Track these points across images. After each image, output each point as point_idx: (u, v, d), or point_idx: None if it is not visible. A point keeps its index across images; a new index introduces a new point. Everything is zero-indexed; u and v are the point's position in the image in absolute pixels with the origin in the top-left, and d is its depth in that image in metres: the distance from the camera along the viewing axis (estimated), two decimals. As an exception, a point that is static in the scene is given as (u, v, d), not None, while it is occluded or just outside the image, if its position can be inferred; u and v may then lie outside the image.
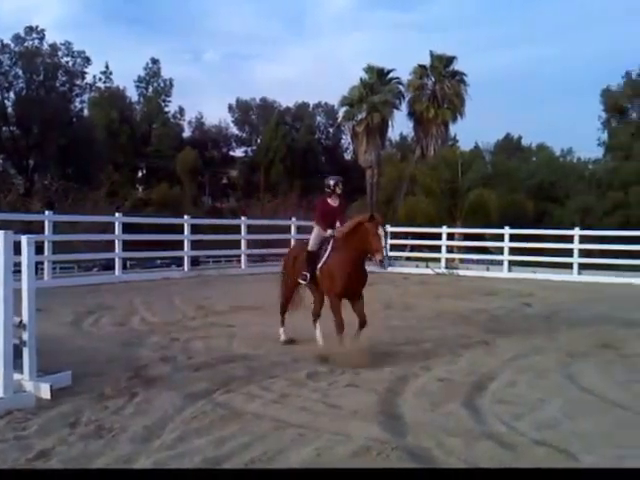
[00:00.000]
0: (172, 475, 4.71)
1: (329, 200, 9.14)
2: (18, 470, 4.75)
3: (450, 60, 47.60)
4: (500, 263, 22.04)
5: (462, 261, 24.95)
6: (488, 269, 22.38)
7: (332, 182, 9.16)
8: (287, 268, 9.56)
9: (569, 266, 20.14)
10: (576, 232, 20.51)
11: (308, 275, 8.85)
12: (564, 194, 49.86)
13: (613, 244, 20.32)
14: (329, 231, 8.85)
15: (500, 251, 22.58)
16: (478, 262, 24.17)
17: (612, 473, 4.82)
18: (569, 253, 20.30)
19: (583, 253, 20.57)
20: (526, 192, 47.86)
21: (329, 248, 8.70)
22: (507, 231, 21.76)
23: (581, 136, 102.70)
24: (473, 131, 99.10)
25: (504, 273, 21.16)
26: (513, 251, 22.05)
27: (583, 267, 20.08)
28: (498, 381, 7.37)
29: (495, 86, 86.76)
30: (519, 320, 11.94)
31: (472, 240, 27.15)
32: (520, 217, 37.60)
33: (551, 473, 4.77)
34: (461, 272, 21.82)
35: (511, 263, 21.64)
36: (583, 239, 20.58)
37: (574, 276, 19.57)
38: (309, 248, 8.97)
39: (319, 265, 8.72)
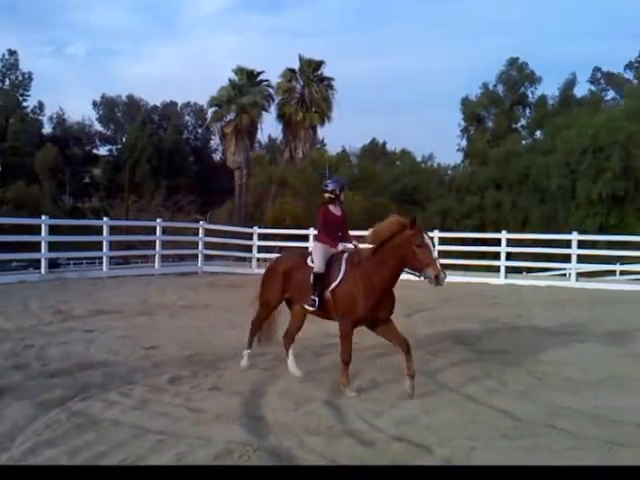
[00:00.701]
0: (170, 473, 4.49)
1: (331, 208, 7.67)
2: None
3: (319, 65, 48.32)
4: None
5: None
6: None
7: (335, 186, 7.66)
8: (272, 284, 7.84)
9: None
10: (436, 234, 21.42)
11: (317, 300, 7.25)
12: (425, 198, 52.08)
13: (471, 245, 21.40)
14: (341, 246, 7.41)
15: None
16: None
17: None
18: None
19: (443, 254, 21.51)
20: (390, 195, 49.54)
21: (344, 265, 7.18)
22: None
23: (442, 143, 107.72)
24: (341, 135, 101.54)
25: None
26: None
27: (443, 267, 20.89)
28: (360, 379, 7.53)
29: (362, 92, 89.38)
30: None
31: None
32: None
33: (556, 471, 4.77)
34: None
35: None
36: (443, 241, 21.55)
37: (435, 277, 20.42)
38: (317, 270, 7.28)
39: (332, 286, 7.16)
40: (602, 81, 59.70)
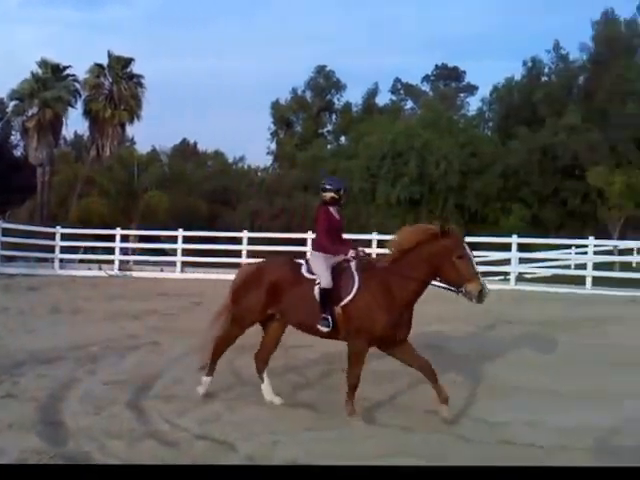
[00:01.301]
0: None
1: (332, 210, 6.74)
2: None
3: (128, 62, 46.73)
4: (174, 264, 22.32)
5: (137, 263, 24.63)
6: (162, 270, 22.47)
7: (339, 186, 6.77)
8: (251, 297, 6.70)
9: (239, 266, 21.13)
10: (245, 234, 21.71)
11: (330, 319, 6.31)
12: (236, 198, 52.31)
13: (278, 245, 21.86)
14: (352, 253, 6.48)
15: (175, 252, 22.85)
16: (154, 264, 24.11)
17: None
18: (239, 254, 21.36)
19: (251, 254, 21.79)
20: (201, 196, 49.15)
21: (356, 277, 6.34)
22: (181, 233, 22.14)
23: (253, 145, 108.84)
24: (151, 134, 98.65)
25: (177, 274, 21.46)
26: (187, 252, 22.51)
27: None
28: (164, 380, 7.42)
29: (174, 91, 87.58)
30: (189, 319, 12.16)
31: (147, 242, 27.18)
32: (195, 220, 38.50)
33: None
34: (135, 274, 21.54)
35: (185, 264, 22.06)
36: (251, 241, 21.90)
37: (243, 276, 20.66)
38: (325, 285, 6.34)
39: (345, 301, 6.29)
40: (402, 92, 63.72)
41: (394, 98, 62.50)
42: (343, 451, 5.38)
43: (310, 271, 6.57)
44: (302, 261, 6.86)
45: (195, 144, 67.12)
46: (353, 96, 73.92)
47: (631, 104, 36.99)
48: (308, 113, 58.00)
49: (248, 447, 5.36)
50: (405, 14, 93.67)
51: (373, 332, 6.23)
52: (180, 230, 22.29)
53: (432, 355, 6.84)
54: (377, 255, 15.09)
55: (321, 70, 58.28)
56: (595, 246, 21.18)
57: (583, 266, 19.68)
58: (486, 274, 23.13)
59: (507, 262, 20.35)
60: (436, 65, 63.48)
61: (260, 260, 7.61)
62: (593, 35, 43.41)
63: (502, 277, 21.88)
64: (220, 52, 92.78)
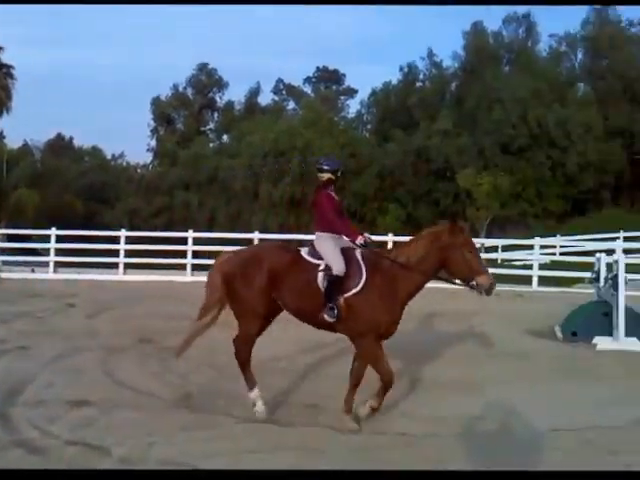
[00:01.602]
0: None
1: (332, 193, 6.41)
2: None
3: (-4, 51, 44.17)
4: (47, 264, 21.36)
5: (5, 263, 23.37)
6: (34, 271, 21.45)
7: (335, 167, 6.43)
8: (252, 286, 6.26)
9: (116, 266, 20.60)
10: (123, 233, 21.11)
11: (336, 309, 6.02)
12: (115, 196, 50.75)
13: (159, 244, 21.45)
14: (360, 238, 6.20)
15: (47, 252, 21.87)
16: (24, 264, 22.95)
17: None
18: (117, 253, 20.76)
19: (130, 253, 21.25)
20: (77, 193, 47.33)
21: (363, 268, 6.09)
22: (54, 232, 21.21)
23: (132, 141, 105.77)
24: (23, 128, 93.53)
25: (50, 274, 20.57)
26: (60, 252, 21.59)
27: (130, 267, 20.72)
28: (35, 385, 7.16)
29: (49, 84, 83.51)
30: (63, 321, 11.76)
31: (17, 241, 25.83)
32: (70, 218, 37.05)
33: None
34: (4, 275, 20.44)
35: (58, 264, 21.16)
36: (130, 240, 21.33)
37: (120, 276, 20.08)
38: (337, 272, 6.02)
39: (352, 292, 6.02)
40: (284, 92, 64.10)
41: (276, 98, 62.81)
42: (218, 449, 5.42)
43: (314, 255, 6.24)
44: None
45: (71, 139, 64.45)
46: (236, 94, 73.59)
47: (497, 111, 39.13)
48: (190, 110, 57.17)
49: (122, 450, 5.29)
50: (285, 17, 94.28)
51: (377, 328, 6.04)
52: (53, 229, 21.36)
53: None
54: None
55: (203, 67, 57.62)
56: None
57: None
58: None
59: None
60: (317, 67, 64.42)
61: (246, 247, 7.36)
62: (464, 45, 45.55)
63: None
64: (97, 45, 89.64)
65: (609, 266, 11.56)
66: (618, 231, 27.29)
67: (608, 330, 10.47)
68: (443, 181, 39.67)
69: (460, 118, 41.58)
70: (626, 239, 26.07)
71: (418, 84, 49.39)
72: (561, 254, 24.82)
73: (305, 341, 9.02)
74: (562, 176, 38.08)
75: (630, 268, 14.63)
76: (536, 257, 19.95)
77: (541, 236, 23.69)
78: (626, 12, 41.27)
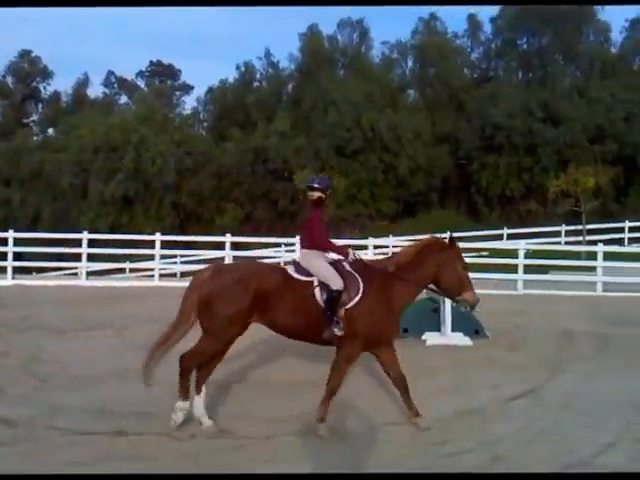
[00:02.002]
0: None
1: (321, 212, 6.53)
2: None
3: None
4: None
5: None
6: None
7: (325, 186, 6.55)
8: (231, 304, 6.02)
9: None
10: None
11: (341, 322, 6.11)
12: None
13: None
14: (352, 255, 6.43)
15: None
16: None
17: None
18: None
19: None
20: None
21: (359, 280, 6.23)
22: None
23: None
24: None
25: None
26: None
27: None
28: None
29: None
30: None
31: None
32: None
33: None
34: None
35: None
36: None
37: None
38: (338, 287, 6.10)
39: (351, 304, 6.13)
40: (115, 85, 61.60)
41: (107, 91, 60.23)
42: (37, 465, 5.14)
43: (302, 272, 6.29)
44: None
45: None
46: (62, 85, 69.54)
47: (332, 114, 40.08)
48: (10, 100, 53.20)
49: None
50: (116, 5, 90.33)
51: (373, 337, 6.23)
52: None
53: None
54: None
55: (25, 55, 53.84)
56: (301, 244, 22.49)
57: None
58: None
59: (221, 260, 20.69)
60: (151, 61, 62.63)
61: (226, 263, 6.88)
62: (300, 46, 46.22)
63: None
64: None
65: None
66: (445, 231, 28.82)
67: (437, 326, 10.88)
68: (281, 181, 39.97)
69: (297, 119, 42.11)
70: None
71: (255, 84, 49.44)
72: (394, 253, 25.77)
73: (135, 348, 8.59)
74: (394, 179, 39.75)
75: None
76: (370, 257, 20.53)
77: (374, 236, 24.46)
78: (451, 24, 43.98)
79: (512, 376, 8.45)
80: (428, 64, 44.38)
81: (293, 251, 22.60)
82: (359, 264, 6.43)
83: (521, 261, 18.30)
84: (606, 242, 22.76)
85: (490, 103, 38.93)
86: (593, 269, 18.43)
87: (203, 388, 6.33)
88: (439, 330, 10.85)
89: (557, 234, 30.99)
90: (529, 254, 20.86)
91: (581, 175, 28.63)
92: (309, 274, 6.27)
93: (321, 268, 6.27)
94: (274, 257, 24.72)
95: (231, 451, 5.71)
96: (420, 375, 7.90)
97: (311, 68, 44.43)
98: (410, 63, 47.18)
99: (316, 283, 6.21)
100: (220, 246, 20.71)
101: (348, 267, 6.37)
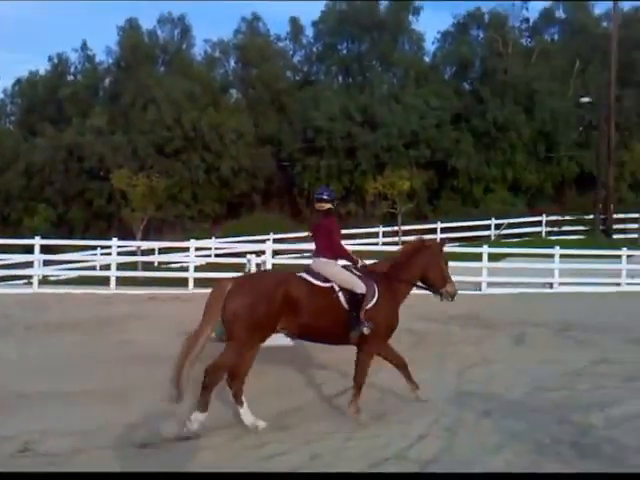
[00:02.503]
0: None
1: (335, 223, 6.99)
2: None
3: None
4: None
5: None
6: None
7: (333, 197, 7.11)
8: (262, 312, 6.27)
9: None
10: None
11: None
12: None
13: None
14: (361, 262, 7.00)
15: None
16: None
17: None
18: None
19: None
20: None
21: (372, 282, 6.76)
22: None
23: None
24: None
25: None
26: None
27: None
28: None
29: None
30: None
31: None
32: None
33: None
34: None
35: None
36: None
37: None
38: (362, 291, 6.63)
39: (369, 306, 6.64)
40: None
41: None
42: None
43: (320, 279, 6.67)
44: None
45: None
46: None
47: (152, 111, 38.71)
48: None
49: None
50: None
51: (388, 334, 6.87)
52: None
53: None
54: None
55: None
56: (119, 247, 21.43)
57: (108, 267, 19.62)
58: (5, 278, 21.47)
59: (30, 265, 19.10)
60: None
61: (247, 274, 7.47)
62: (118, 40, 44.20)
63: (25, 281, 20.47)
64: None
65: (258, 266, 11.89)
66: (269, 233, 28.98)
67: None
68: (97, 181, 37.89)
69: (114, 116, 40.26)
70: (275, 241, 27.80)
71: (70, 77, 46.60)
72: (216, 256, 25.41)
73: None
74: (217, 179, 39.22)
75: (277, 268, 15.45)
76: (192, 259, 19.92)
77: (197, 238, 23.90)
78: (274, 26, 44.22)
79: (334, 374, 8.53)
80: (250, 65, 44.26)
81: (110, 254, 21.39)
82: (364, 269, 6.93)
83: (340, 262, 18.46)
84: (420, 242, 23.72)
85: (311, 106, 39.57)
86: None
87: (243, 399, 6.53)
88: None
89: (375, 235, 32.16)
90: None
91: (397, 178, 29.86)
92: (326, 280, 6.70)
93: (343, 275, 6.78)
94: (90, 261, 23.30)
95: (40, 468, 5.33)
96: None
97: (130, 63, 42.71)
98: (232, 63, 46.83)
99: (337, 288, 6.67)
100: (29, 250, 19.06)
101: (357, 272, 6.87)
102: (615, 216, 32.18)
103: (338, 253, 6.89)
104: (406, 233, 30.29)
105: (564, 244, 23.18)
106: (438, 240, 7.67)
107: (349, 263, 7.01)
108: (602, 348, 10.10)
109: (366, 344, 6.72)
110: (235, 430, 6.41)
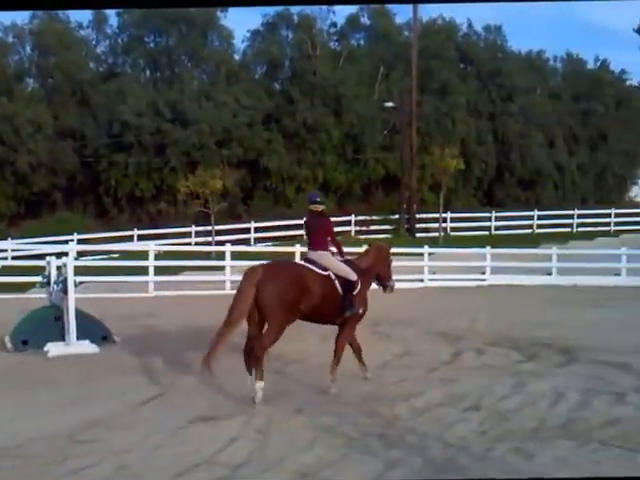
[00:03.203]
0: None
1: (330, 221, 8.50)
2: None
3: None
4: None
5: None
6: None
7: (324, 200, 8.63)
8: (291, 297, 7.41)
9: None
10: None
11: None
12: None
13: None
14: (344, 255, 8.40)
15: None
16: None
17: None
18: None
19: None
20: None
21: (359, 273, 8.07)
22: None
23: None
24: None
25: None
26: None
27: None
28: None
29: None
30: None
31: None
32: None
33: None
34: None
35: None
36: None
37: None
38: (354, 279, 7.93)
39: (356, 290, 7.93)
40: None
41: None
42: None
43: (320, 268, 7.79)
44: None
45: None
46: None
47: None
48: None
49: None
50: None
51: (362, 316, 8.17)
52: None
53: None
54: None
55: None
56: None
57: None
58: None
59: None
60: None
61: (272, 262, 8.57)
62: None
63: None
64: None
65: (59, 269, 11.15)
66: (72, 234, 27.35)
67: (62, 335, 10.10)
68: None
69: None
70: (80, 241, 26.36)
71: None
72: (14, 258, 23.59)
73: None
74: (13, 175, 36.12)
75: (81, 270, 14.52)
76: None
77: (-9, 239, 21.93)
78: (74, 13, 41.29)
79: (140, 381, 8.31)
80: (49, 52, 41.01)
81: None
82: (348, 262, 8.21)
83: (152, 263, 17.92)
84: (234, 242, 23.80)
85: (117, 100, 37.69)
86: (223, 268, 18.83)
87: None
88: (64, 339, 10.04)
89: (188, 235, 31.54)
90: (160, 255, 20.67)
91: (209, 177, 29.52)
92: (325, 269, 7.83)
93: (340, 265, 8.02)
94: None
95: None
96: (43, 389, 7.50)
97: None
98: (28, 49, 43.08)
99: (333, 276, 7.83)
100: None
101: (345, 264, 8.13)
102: (418, 216, 34.27)
103: (337, 246, 8.27)
104: (220, 233, 30.00)
105: (372, 243, 24.12)
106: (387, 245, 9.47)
107: (338, 256, 8.22)
108: (406, 341, 10.59)
109: (347, 325, 8.05)
110: (31, 449, 5.96)
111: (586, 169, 44.12)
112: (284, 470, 5.36)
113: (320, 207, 8.26)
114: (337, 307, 7.81)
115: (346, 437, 6.07)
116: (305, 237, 8.45)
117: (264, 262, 8.30)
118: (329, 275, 7.81)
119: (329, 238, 8.13)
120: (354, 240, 29.95)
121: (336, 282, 7.81)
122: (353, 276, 7.90)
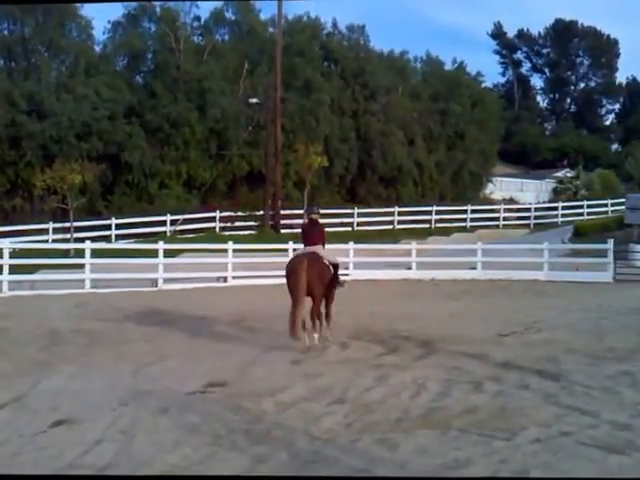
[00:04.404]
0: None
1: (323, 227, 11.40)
2: None
3: None
4: None
5: None
6: None
7: (319, 210, 11.59)
8: (326, 281, 10.49)
9: None
10: None
11: None
12: None
13: None
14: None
15: None
16: None
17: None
18: None
19: None
20: None
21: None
22: None
23: None
24: None
25: None
26: None
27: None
28: None
29: None
30: None
31: None
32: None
33: None
34: None
35: None
36: None
37: None
38: (339, 262, 11.30)
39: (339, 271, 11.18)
40: None
41: None
42: None
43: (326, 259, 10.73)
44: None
45: None
46: None
47: None
48: None
49: None
50: None
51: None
52: None
53: None
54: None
55: None
56: None
57: None
58: None
59: None
60: None
61: (302, 252, 10.82)
62: None
63: None
64: None
65: None
66: None
67: None
68: None
69: None
70: None
71: None
72: None
73: None
74: None
75: None
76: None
77: None
78: None
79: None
80: None
81: None
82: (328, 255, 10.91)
83: (6, 261, 17.03)
84: (94, 239, 23.01)
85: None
86: (82, 266, 18.21)
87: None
88: None
89: (44, 232, 30.10)
90: (15, 253, 19.65)
91: (68, 172, 28.35)
92: (321, 257, 10.54)
93: (331, 254, 10.92)
94: None
95: None
96: None
97: None
98: None
99: (327, 262, 10.51)
100: None
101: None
102: (282, 212, 34.63)
103: (323, 245, 10.83)
104: (78, 230, 28.91)
105: (237, 239, 24.27)
106: None
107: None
108: (272, 336, 10.74)
109: (331, 297, 10.74)
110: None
111: (444, 167, 46.01)
112: (151, 471, 5.30)
113: (316, 216, 11.07)
114: (331, 284, 10.58)
115: (212, 435, 6.08)
116: (301, 238, 11.14)
117: (299, 253, 10.94)
118: (324, 261, 10.56)
119: (321, 239, 10.79)
120: (218, 237, 29.84)
121: (330, 266, 10.59)
122: (337, 261, 10.97)
